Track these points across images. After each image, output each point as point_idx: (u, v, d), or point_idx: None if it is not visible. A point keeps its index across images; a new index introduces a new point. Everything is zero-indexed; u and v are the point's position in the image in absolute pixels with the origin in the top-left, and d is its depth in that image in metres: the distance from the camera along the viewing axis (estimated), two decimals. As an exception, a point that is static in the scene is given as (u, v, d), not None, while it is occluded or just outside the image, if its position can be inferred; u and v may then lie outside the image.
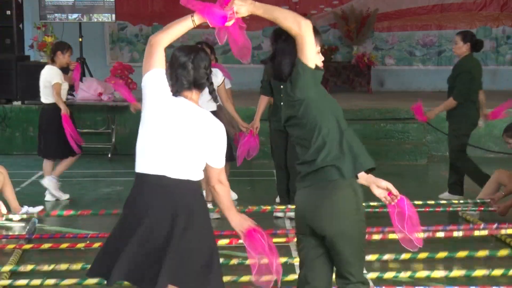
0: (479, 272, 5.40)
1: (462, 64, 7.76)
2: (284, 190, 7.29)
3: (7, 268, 5.48)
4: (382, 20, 14.85)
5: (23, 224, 7.03)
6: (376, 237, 6.16)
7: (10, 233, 6.84)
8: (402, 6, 14.91)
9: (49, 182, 8.05)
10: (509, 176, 7.20)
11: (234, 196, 7.65)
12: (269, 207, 7.19)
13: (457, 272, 5.41)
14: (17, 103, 11.45)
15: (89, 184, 9.14)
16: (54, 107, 8.03)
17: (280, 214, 7.24)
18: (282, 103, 6.89)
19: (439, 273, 5.40)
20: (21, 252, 5.99)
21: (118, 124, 11.24)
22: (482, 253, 5.80)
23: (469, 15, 14.87)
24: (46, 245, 6.10)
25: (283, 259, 5.59)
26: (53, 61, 8.15)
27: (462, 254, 5.77)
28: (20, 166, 10.17)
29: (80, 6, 11.94)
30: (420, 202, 7.16)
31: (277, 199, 7.72)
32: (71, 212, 7.07)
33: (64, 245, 6.12)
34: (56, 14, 11.96)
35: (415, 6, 14.88)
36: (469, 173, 7.95)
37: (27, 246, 6.10)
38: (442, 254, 5.74)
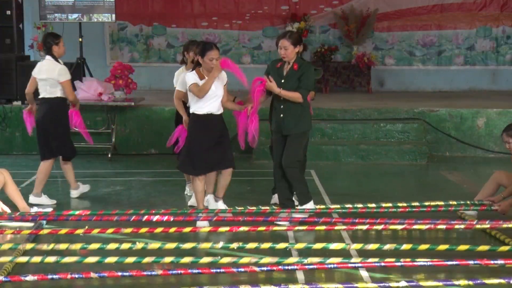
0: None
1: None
2: (287, 194, 7.13)
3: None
4: (382, 20, 14.85)
5: (31, 224, 7.00)
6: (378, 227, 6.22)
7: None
8: (402, 6, 14.90)
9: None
10: (508, 177, 7.19)
11: (223, 206, 7.31)
12: (268, 208, 7.22)
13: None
14: (17, 103, 11.44)
15: (89, 184, 9.13)
16: None
17: (283, 222, 6.91)
18: (282, 106, 6.92)
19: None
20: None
21: (118, 124, 11.24)
22: (483, 247, 5.80)
23: (469, 15, 14.88)
24: (45, 231, 6.32)
25: (283, 245, 5.74)
26: (182, 62, 8.06)
27: (462, 247, 5.76)
28: (20, 166, 10.18)
29: (80, 6, 11.94)
30: (418, 204, 7.25)
31: (273, 200, 7.69)
32: (69, 212, 7.07)
33: (63, 231, 6.30)
34: (56, 14, 11.95)
35: (415, 6, 14.88)
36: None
37: (26, 232, 6.30)
38: (443, 247, 5.75)
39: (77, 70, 11.68)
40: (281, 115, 6.96)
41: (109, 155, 10.87)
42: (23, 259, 5.55)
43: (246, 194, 8.44)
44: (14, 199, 7.19)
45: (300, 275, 5.36)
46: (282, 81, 6.91)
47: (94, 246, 5.78)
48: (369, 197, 8.32)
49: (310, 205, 7.08)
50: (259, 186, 8.83)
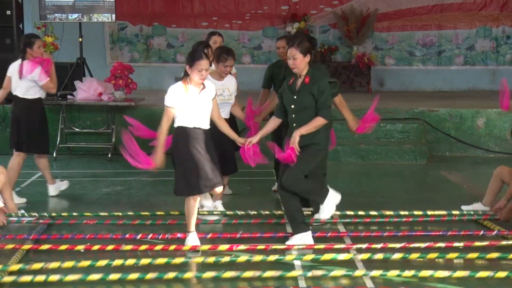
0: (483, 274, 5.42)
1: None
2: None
3: (14, 267, 5.53)
4: (382, 20, 14.86)
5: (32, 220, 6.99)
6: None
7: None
8: (402, 6, 14.92)
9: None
10: (509, 173, 7.19)
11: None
12: (274, 220, 7.07)
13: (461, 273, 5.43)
14: (17, 103, 11.42)
15: (89, 184, 9.14)
16: None
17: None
18: (294, 125, 6.12)
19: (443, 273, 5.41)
20: (23, 252, 5.99)
21: (118, 124, 11.23)
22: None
23: (469, 15, 14.88)
24: (45, 246, 6.11)
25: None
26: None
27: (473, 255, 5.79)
28: (20, 166, 10.15)
29: (80, 6, 11.94)
30: (434, 212, 7.26)
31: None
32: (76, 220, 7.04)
33: (63, 247, 6.06)
34: (56, 14, 11.95)
35: (415, 6, 14.90)
36: None
37: (27, 247, 6.09)
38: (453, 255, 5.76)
39: (77, 70, 11.67)
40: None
41: (109, 155, 10.87)
42: (27, 277, 5.33)
43: (246, 194, 8.44)
44: (5, 198, 7.16)
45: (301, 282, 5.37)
46: (295, 97, 6.17)
47: (101, 263, 5.60)
48: (369, 197, 8.32)
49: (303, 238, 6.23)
50: (259, 186, 8.82)
